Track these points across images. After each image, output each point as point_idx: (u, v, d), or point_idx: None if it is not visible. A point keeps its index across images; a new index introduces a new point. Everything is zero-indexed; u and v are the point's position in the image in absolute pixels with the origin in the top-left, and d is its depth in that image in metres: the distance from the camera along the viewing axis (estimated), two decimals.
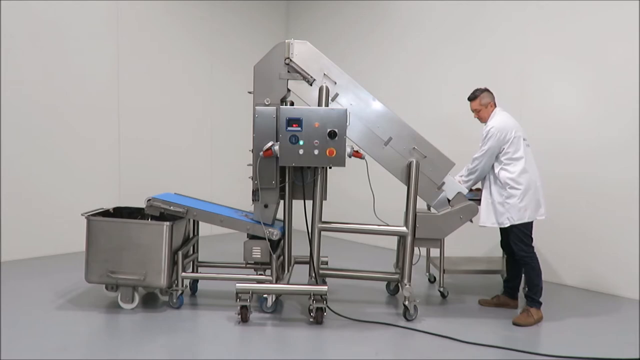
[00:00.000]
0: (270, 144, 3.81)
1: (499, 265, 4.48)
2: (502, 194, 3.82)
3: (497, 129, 3.83)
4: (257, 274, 4.14)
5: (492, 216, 3.88)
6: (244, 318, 3.70)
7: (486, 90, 4.03)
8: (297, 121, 3.68)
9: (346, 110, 3.71)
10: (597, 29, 4.51)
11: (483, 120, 4.02)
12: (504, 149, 3.82)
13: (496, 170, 3.86)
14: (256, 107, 3.88)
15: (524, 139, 3.87)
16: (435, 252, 4.52)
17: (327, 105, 3.82)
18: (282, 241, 4.12)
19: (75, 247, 5.27)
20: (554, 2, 4.80)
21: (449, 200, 4.00)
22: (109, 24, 6.00)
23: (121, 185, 6.14)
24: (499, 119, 3.90)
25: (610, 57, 4.45)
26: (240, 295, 3.74)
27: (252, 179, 3.94)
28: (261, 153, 3.83)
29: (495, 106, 4.01)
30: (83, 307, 3.98)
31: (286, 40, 3.91)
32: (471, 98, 4.05)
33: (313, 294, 3.76)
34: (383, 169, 3.94)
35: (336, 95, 3.90)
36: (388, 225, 4.09)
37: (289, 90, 3.96)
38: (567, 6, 4.70)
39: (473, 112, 4.06)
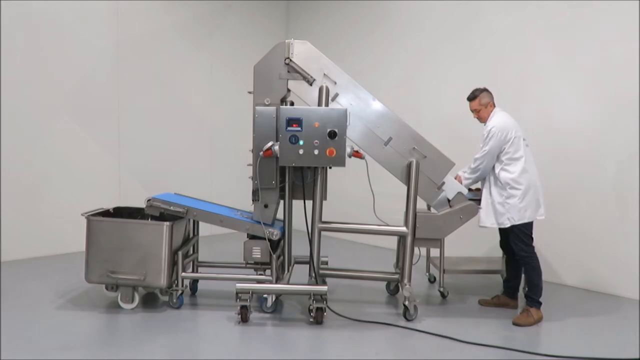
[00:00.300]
0: (270, 144, 3.81)
1: (499, 265, 4.48)
2: (502, 194, 3.82)
3: (498, 129, 3.82)
4: (257, 274, 4.14)
5: (492, 216, 3.88)
6: (244, 318, 3.70)
7: (485, 90, 4.02)
8: (297, 121, 3.68)
9: (346, 110, 3.71)
10: (597, 29, 4.50)
11: (482, 120, 4.02)
12: (504, 148, 3.82)
13: (496, 171, 3.86)
14: (256, 107, 3.88)
15: (523, 139, 3.88)
16: (435, 252, 4.52)
17: (327, 105, 3.82)
18: (282, 241, 4.12)
19: (75, 247, 5.26)
20: (554, 2, 4.82)
21: (449, 200, 4.00)
22: (109, 24, 6.00)
23: (121, 185, 6.15)
24: (499, 118, 3.90)
25: (610, 57, 4.44)
26: (240, 295, 3.73)
27: (252, 179, 3.94)
28: (261, 153, 3.83)
29: (495, 106, 4.01)
30: (83, 307, 3.97)
31: (286, 40, 3.91)
32: (470, 98, 4.04)
33: (313, 294, 3.76)
34: (383, 169, 3.95)
35: (336, 95, 3.90)
36: (388, 225, 4.09)
37: (289, 90, 3.95)
38: (567, 6, 4.71)
39: (472, 112, 4.06)
